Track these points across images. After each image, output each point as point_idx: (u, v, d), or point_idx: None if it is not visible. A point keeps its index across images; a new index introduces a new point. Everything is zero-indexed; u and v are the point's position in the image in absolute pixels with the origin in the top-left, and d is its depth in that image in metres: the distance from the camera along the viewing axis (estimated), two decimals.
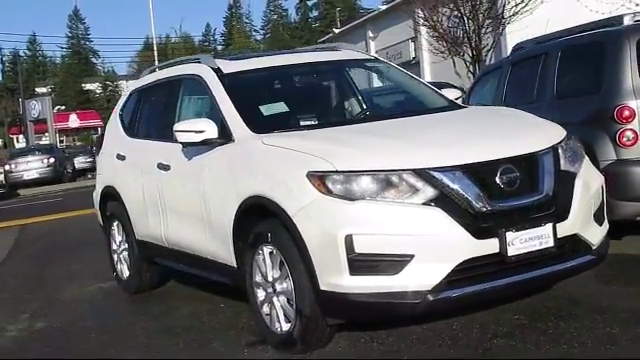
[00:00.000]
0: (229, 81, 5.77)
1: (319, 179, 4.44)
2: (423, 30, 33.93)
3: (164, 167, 6.14)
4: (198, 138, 5.42)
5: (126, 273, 7.32)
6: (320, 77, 6.37)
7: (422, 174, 4.35)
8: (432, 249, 4.29)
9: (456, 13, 18.19)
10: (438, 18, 18.77)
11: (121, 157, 7.08)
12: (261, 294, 5.08)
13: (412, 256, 4.27)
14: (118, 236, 7.38)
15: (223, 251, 5.40)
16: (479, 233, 4.33)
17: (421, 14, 19.91)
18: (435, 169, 4.37)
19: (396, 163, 4.41)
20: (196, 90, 6.25)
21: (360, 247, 4.29)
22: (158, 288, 7.36)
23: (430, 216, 4.31)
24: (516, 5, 17.44)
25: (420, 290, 4.28)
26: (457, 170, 4.39)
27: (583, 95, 6.72)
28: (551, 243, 4.52)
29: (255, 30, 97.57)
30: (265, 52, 6.76)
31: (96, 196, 7.76)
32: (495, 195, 4.43)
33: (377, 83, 8.39)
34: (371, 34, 40.79)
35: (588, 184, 4.87)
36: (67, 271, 9.09)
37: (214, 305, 6.41)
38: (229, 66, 5.96)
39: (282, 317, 4.88)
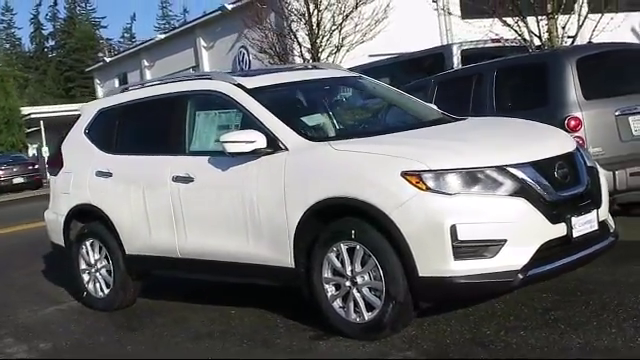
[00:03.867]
0: (258, 96, 6.16)
1: (416, 177, 5.04)
2: (205, 56, 34.78)
3: (184, 179, 6.37)
4: (249, 148, 5.79)
5: (103, 291, 7.36)
6: (333, 91, 6.92)
7: (503, 170, 5.08)
8: (520, 234, 5.03)
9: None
10: (278, 43, 19.59)
11: (105, 174, 7.14)
12: (331, 289, 5.54)
13: (505, 240, 4.98)
14: (93, 255, 7.40)
15: (276, 254, 5.78)
16: (553, 219, 5.13)
17: (255, 38, 20.61)
18: (512, 165, 5.12)
19: (479, 161, 5.12)
20: (211, 105, 6.57)
21: (463, 235, 4.94)
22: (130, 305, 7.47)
23: (517, 205, 5.05)
24: (354, 34, 18.69)
25: (512, 270, 5.00)
26: (528, 166, 5.17)
27: (529, 108, 7.74)
28: (596, 227, 5.44)
29: None
30: (261, 70, 7.13)
31: (59, 216, 7.70)
32: (556, 187, 5.26)
33: None
34: (147, 63, 40.80)
35: (604, 178, 5.86)
36: None
37: (221, 312, 6.71)
38: (248, 82, 6.34)
39: (363, 307, 5.36)
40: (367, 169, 5.27)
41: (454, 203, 4.98)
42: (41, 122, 44.28)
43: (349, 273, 5.42)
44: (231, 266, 6.18)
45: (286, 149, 5.76)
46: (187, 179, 6.37)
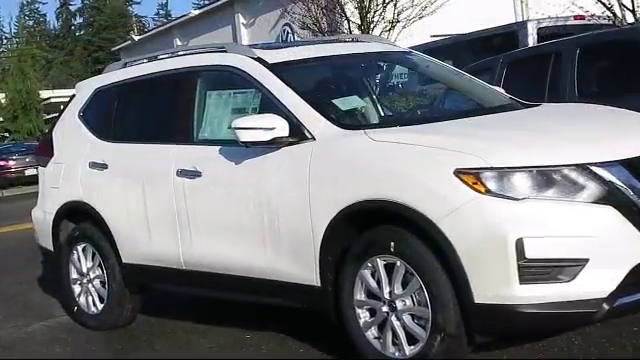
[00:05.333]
0: (282, 72, 5.61)
1: (474, 177, 4.41)
2: (244, 34, 34.29)
3: (190, 174, 5.85)
4: (267, 136, 5.24)
5: (97, 306, 6.87)
6: (375, 69, 6.35)
7: (585, 170, 4.42)
8: (606, 251, 4.36)
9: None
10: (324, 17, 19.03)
11: (100, 165, 6.66)
12: (365, 315, 4.96)
13: (587, 260, 4.32)
14: (85, 262, 6.92)
15: (299, 269, 5.23)
16: None
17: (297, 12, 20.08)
18: (596, 164, 4.45)
19: (555, 158, 4.46)
20: (225, 84, 6.04)
21: (531, 252, 4.29)
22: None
23: (603, 215, 4.38)
24: (412, 8, 18.06)
25: (596, 298, 4.34)
26: (617, 165, 4.50)
27: (618, 95, 7.07)
28: None
29: (5, 37, 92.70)
30: (288, 43, 6.56)
31: (47, 215, 7.24)
32: None
33: None
34: (179, 42, 40.68)
35: None
36: None
37: (234, 336, 6.20)
38: (270, 56, 5.81)
39: (404, 339, 4.77)
40: (410, 165, 4.67)
41: (522, 211, 4.34)
42: (61, 107, 44.23)
43: (386, 296, 4.83)
44: (245, 282, 5.63)
45: (313, 138, 5.20)
46: (193, 174, 5.84)
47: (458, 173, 4.45)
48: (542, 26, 14.24)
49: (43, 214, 7.33)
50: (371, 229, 4.89)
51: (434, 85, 6.38)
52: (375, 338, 4.92)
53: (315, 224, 5.07)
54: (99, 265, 6.81)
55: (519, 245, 4.28)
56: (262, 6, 32.48)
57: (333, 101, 5.64)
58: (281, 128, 5.23)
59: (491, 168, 4.40)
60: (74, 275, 7.04)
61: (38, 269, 10.03)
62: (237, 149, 5.52)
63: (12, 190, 29.02)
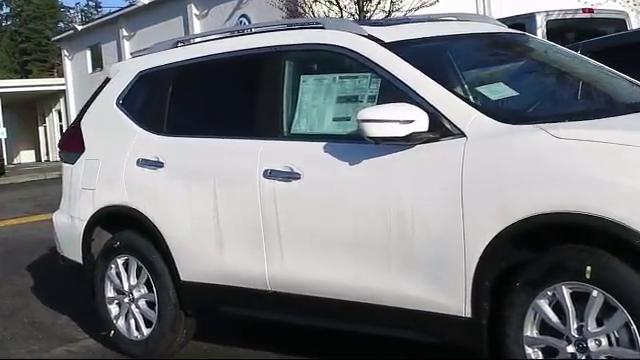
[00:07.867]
0: (404, 54, 4.63)
1: None
2: (197, 26, 33.06)
3: (283, 175, 4.82)
4: (403, 131, 4.26)
5: (142, 330, 5.79)
6: (508, 52, 5.40)
7: None
8: None
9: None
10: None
11: (152, 163, 5.58)
12: (537, 355, 4.00)
13: None
14: (127, 278, 5.84)
15: (441, 295, 4.25)
16: None
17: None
18: None
19: None
20: (325, 67, 5.08)
21: None
22: None
23: None
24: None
25: None
26: None
27: None
28: None
29: None
30: (390, 20, 5.57)
31: (76, 221, 6.12)
32: None
33: None
34: (125, 32, 39.29)
35: None
36: None
37: None
38: (384, 33, 4.83)
39: None
40: (623, 170, 3.71)
41: None
42: None
43: (574, 333, 3.86)
44: (358, 309, 4.62)
45: (462, 135, 4.21)
46: (289, 175, 4.81)
47: None
48: (551, 19, 13.75)
49: (70, 220, 6.20)
50: (555, 249, 3.92)
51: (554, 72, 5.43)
52: None
53: (470, 240, 4.10)
54: (146, 282, 5.73)
55: None
56: None
57: (478, 89, 4.65)
58: (420, 121, 4.25)
59: None
60: (110, 293, 5.96)
61: (27, 278, 9.02)
62: (350, 146, 4.60)
63: None
